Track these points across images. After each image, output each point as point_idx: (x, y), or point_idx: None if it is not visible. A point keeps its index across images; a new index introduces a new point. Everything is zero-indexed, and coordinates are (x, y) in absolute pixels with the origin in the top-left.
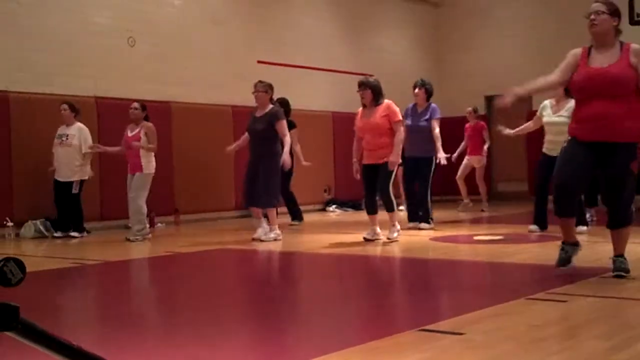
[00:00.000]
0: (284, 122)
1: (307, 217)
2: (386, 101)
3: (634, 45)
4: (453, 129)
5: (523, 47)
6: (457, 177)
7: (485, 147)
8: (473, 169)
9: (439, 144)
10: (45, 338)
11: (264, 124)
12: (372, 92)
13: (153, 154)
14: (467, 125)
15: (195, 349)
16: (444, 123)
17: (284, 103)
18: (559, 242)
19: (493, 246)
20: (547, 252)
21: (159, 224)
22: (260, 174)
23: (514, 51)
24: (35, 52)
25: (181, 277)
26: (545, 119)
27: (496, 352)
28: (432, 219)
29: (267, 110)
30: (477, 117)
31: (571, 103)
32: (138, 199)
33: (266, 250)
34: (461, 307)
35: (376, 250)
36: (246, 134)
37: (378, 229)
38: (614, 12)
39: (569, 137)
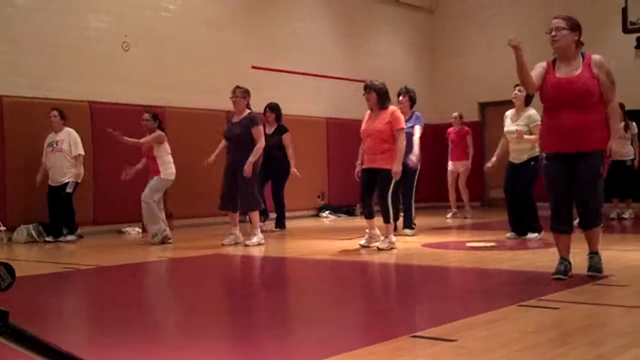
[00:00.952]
0: (261, 128)
1: (301, 223)
2: (391, 107)
3: (594, 56)
4: (446, 135)
5: None
6: (449, 184)
7: (470, 153)
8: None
9: (416, 148)
10: (35, 343)
11: (241, 129)
12: (377, 95)
13: (171, 159)
14: (450, 130)
15: (186, 355)
16: (438, 129)
17: (275, 108)
18: (552, 250)
19: (486, 253)
20: (539, 259)
21: None
22: (238, 178)
23: (507, 58)
24: (29, 56)
25: (174, 282)
26: (505, 129)
27: (489, 358)
28: (414, 225)
29: (244, 115)
30: (462, 122)
31: (529, 112)
32: (150, 198)
33: (259, 256)
34: (454, 313)
35: (369, 256)
36: (223, 140)
37: (378, 232)
38: (574, 27)
39: (544, 153)
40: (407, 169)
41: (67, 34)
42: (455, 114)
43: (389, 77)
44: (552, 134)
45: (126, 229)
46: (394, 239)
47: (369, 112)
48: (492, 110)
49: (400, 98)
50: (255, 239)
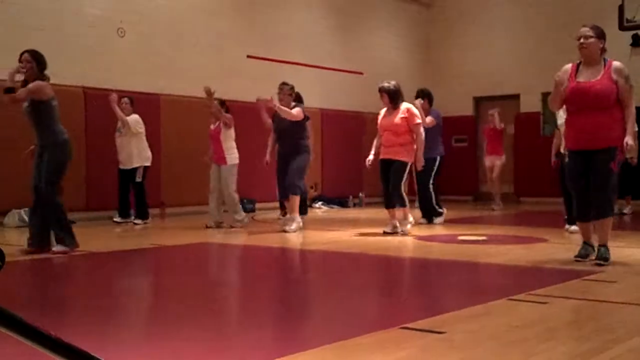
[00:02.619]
0: (300, 110)
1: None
2: (406, 104)
3: (615, 63)
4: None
5: (513, 49)
6: (488, 178)
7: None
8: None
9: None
10: (23, 327)
11: (291, 122)
12: (389, 97)
13: (235, 144)
14: (486, 127)
15: (175, 342)
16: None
17: (298, 97)
18: (541, 245)
19: (477, 246)
20: (529, 253)
21: None
22: (288, 165)
23: (503, 53)
24: (23, 40)
25: (165, 269)
26: (559, 122)
27: (476, 351)
28: (441, 209)
29: (290, 108)
30: (499, 119)
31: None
32: (229, 189)
33: (250, 245)
34: (443, 306)
35: (360, 248)
36: (272, 134)
37: (397, 223)
38: (600, 35)
39: (567, 151)
40: (427, 162)
41: (61, 18)
42: (491, 111)
43: (384, 69)
44: (573, 133)
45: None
46: (412, 219)
47: (385, 109)
48: (487, 104)
49: (421, 101)
50: (294, 225)
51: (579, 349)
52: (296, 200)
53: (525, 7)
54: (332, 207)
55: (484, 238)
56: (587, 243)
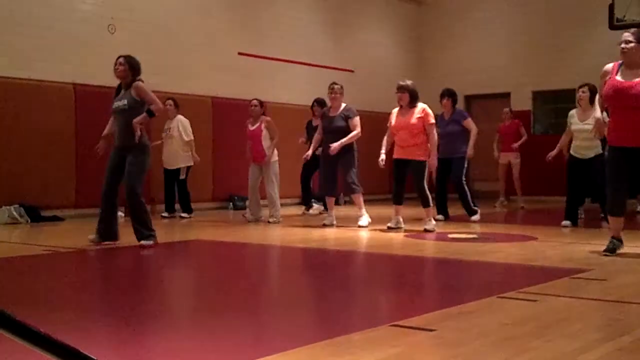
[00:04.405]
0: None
1: (285, 211)
2: (421, 104)
3: None
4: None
5: (504, 47)
6: (499, 175)
7: (523, 140)
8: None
9: (473, 140)
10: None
11: (342, 121)
12: (410, 96)
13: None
14: (501, 125)
15: (168, 341)
16: None
17: (322, 102)
18: (532, 243)
19: (467, 244)
20: (520, 251)
21: None
22: (339, 167)
23: (495, 51)
24: (14, 36)
25: (154, 267)
26: (573, 127)
27: (466, 349)
28: (477, 208)
29: (342, 108)
30: (512, 117)
31: (596, 112)
32: (270, 187)
33: (240, 242)
34: (433, 303)
35: (350, 245)
36: (316, 134)
37: (401, 219)
38: None
39: (608, 146)
40: (458, 160)
41: (52, 14)
42: (506, 109)
43: (376, 67)
44: (616, 131)
45: None
46: (434, 220)
47: (397, 109)
48: (478, 103)
49: (445, 100)
50: (365, 220)
51: (569, 346)
52: (360, 197)
53: (516, 5)
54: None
55: (474, 236)
56: (616, 238)
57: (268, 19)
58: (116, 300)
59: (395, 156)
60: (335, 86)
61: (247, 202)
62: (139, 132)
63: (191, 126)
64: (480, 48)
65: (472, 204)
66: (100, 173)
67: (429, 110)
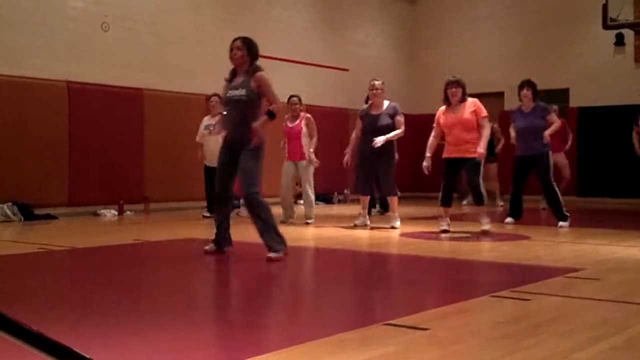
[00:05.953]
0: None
1: (277, 209)
2: (471, 99)
3: None
4: (425, 125)
5: (497, 47)
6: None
7: (569, 140)
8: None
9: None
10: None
11: (387, 119)
12: (462, 90)
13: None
14: None
15: (163, 338)
16: (416, 120)
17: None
18: (525, 242)
19: (460, 243)
20: (513, 250)
21: (128, 212)
22: (380, 167)
23: (488, 50)
24: (6, 33)
25: (148, 265)
26: None
27: (460, 347)
28: (568, 214)
29: (385, 105)
30: (558, 116)
31: None
32: (308, 187)
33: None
34: (427, 302)
35: (343, 244)
36: (354, 134)
37: (449, 220)
38: None
39: None
40: (540, 158)
41: (45, 11)
42: (555, 107)
43: (369, 66)
44: None
45: (101, 211)
46: (489, 218)
47: (443, 107)
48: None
49: (524, 91)
50: (398, 222)
51: (562, 345)
52: (396, 200)
53: (510, 5)
54: (317, 204)
55: (467, 235)
56: None
57: (261, 18)
58: (110, 299)
59: (446, 155)
60: (377, 82)
61: (242, 202)
62: (257, 141)
63: (186, 125)
64: (474, 47)
65: (563, 209)
66: (95, 171)
67: (480, 104)
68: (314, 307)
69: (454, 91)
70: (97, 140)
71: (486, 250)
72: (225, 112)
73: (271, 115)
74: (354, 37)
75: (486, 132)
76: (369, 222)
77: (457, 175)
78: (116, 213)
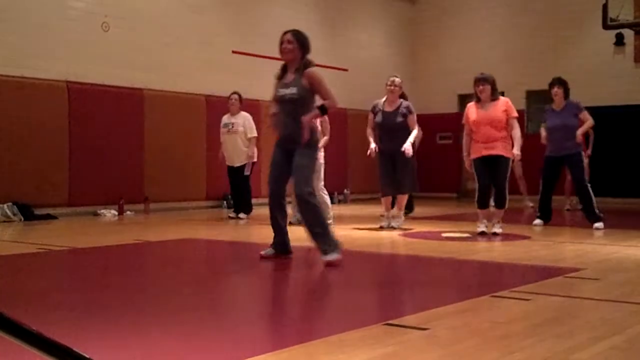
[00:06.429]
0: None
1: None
2: (503, 98)
3: None
4: (426, 125)
5: (498, 46)
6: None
7: (590, 142)
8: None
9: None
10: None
11: (400, 118)
12: (491, 87)
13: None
14: None
15: (162, 338)
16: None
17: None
18: (524, 242)
19: (461, 243)
20: (513, 250)
21: (128, 212)
22: (400, 163)
23: (488, 50)
24: (6, 33)
25: (148, 265)
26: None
27: (459, 347)
28: (601, 214)
29: (398, 104)
30: None
31: None
32: (321, 186)
33: (233, 241)
34: (427, 302)
35: (345, 244)
36: (368, 129)
37: (487, 222)
38: None
39: None
40: (574, 158)
41: (45, 12)
42: None
43: (369, 66)
44: None
45: (102, 211)
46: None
47: (473, 104)
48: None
49: (555, 89)
50: (401, 221)
51: (561, 345)
52: (405, 198)
53: (510, 5)
54: None
55: (467, 235)
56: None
57: (262, 18)
58: (110, 299)
59: (476, 155)
60: (397, 79)
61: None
62: (307, 135)
63: (185, 125)
64: (474, 47)
65: (596, 210)
66: (95, 171)
67: (511, 103)
68: (313, 308)
69: (482, 88)
70: (97, 140)
71: (486, 250)
72: (276, 112)
73: (323, 110)
74: (354, 37)
75: (518, 133)
76: (393, 224)
77: (489, 174)
78: (116, 213)
